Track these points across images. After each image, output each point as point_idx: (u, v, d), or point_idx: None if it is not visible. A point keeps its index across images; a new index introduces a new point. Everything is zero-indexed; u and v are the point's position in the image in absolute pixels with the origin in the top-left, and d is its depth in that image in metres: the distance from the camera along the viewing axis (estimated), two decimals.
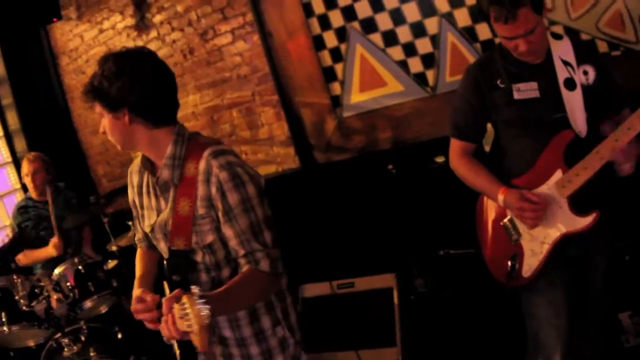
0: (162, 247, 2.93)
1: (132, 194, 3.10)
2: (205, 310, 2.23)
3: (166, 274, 2.82)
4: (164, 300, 2.44)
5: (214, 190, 2.68)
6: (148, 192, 2.95)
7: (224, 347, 2.94)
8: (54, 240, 5.54)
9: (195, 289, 2.27)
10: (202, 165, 2.73)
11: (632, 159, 3.20)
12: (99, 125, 2.87)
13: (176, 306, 2.36)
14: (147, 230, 2.99)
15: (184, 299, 2.27)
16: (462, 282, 4.91)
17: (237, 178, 2.68)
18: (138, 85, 2.65)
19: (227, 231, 2.71)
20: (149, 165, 2.89)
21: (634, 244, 4.31)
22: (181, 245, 2.76)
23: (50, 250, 5.57)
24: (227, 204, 2.67)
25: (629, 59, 4.57)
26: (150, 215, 2.95)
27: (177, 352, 2.86)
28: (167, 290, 2.84)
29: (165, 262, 2.85)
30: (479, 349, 4.70)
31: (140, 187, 3.01)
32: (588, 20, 4.66)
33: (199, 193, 2.72)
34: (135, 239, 3.25)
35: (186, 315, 2.26)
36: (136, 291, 2.90)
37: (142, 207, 3.02)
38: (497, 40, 3.50)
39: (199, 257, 2.80)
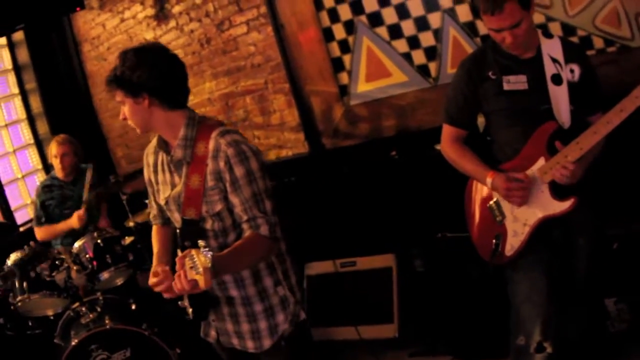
0: (176, 217, 3.22)
1: (148, 173, 3.40)
2: (208, 254, 2.54)
3: (179, 241, 3.13)
4: (177, 259, 2.74)
5: (222, 164, 2.99)
6: (163, 170, 3.25)
7: (230, 306, 3.22)
8: (80, 212, 5.69)
9: (201, 242, 2.60)
10: (211, 144, 3.04)
11: (574, 179, 3.38)
12: (118, 110, 3.16)
13: (187, 261, 2.66)
14: (162, 203, 3.29)
15: (193, 251, 2.60)
16: (457, 263, 5.00)
17: (242, 154, 3.00)
18: (155, 73, 2.97)
19: (233, 199, 3.01)
20: (163, 145, 3.19)
21: (622, 232, 4.41)
22: (192, 214, 3.08)
23: (73, 221, 5.72)
24: (233, 175, 2.98)
25: (624, 55, 4.64)
26: (164, 190, 3.25)
27: (190, 310, 3.13)
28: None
29: (178, 231, 3.17)
30: (472, 326, 4.84)
31: (155, 165, 3.31)
32: (585, 17, 4.71)
33: (208, 168, 3.02)
34: (151, 216, 3.55)
35: (194, 264, 2.56)
36: (154, 265, 3.23)
37: (157, 182, 3.32)
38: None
39: (208, 225, 3.10)
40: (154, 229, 3.55)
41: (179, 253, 3.09)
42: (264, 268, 3.19)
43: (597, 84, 3.59)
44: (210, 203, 3.05)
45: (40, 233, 6.00)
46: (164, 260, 3.32)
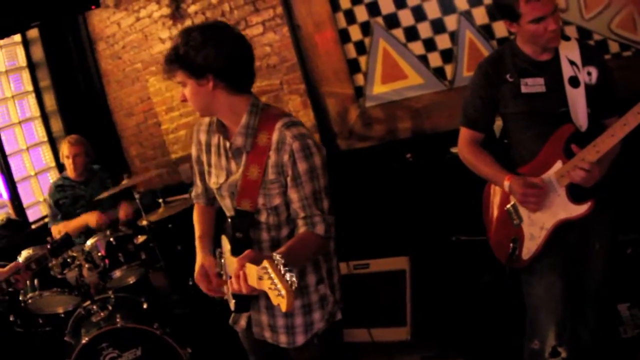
0: (227, 203, 3.17)
1: (197, 151, 3.30)
2: (293, 278, 2.35)
3: (229, 230, 3.05)
4: (237, 259, 2.66)
5: (286, 157, 2.90)
6: (218, 153, 3.16)
7: (268, 299, 3.05)
8: (98, 213, 5.75)
9: (277, 256, 2.41)
10: (275, 136, 2.94)
11: (593, 180, 3.33)
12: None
13: (250, 266, 2.59)
14: (214, 186, 3.21)
15: (266, 263, 2.42)
16: (471, 266, 4.99)
17: (307, 149, 2.90)
18: (223, 52, 2.84)
19: (293, 195, 2.94)
20: (222, 129, 3.10)
21: (636, 238, 4.37)
22: (247, 206, 3.00)
23: (88, 217, 5.76)
24: (296, 170, 2.90)
25: None
26: (218, 174, 3.17)
27: (233, 302, 3.11)
28: (226, 244, 3.09)
29: (229, 220, 3.09)
30: (485, 330, 4.80)
31: (208, 145, 3.22)
32: (601, 21, 4.71)
33: (270, 161, 2.94)
34: (193, 194, 3.47)
35: (273, 283, 2.39)
36: (199, 254, 3.23)
37: (209, 164, 3.23)
38: (512, 38, 3.62)
39: (263, 218, 3.04)
40: (197, 208, 3.48)
41: (225, 241, 3.09)
42: (309, 265, 3.13)
43: (614, 87, 3.56)
44: (269, 196, 2.99)
45: (57, 230, 5.96)
46: (208, 247, 3.27)
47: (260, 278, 2.48)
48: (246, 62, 2.97)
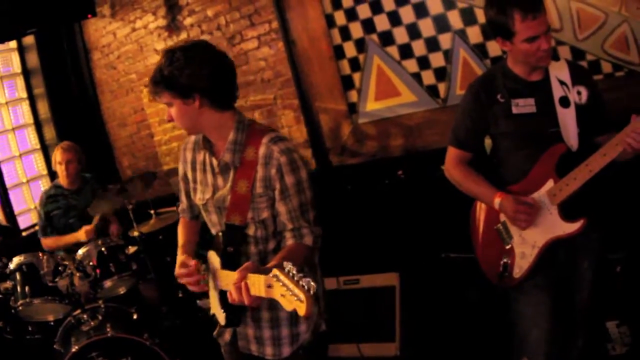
0: (213, 219, 3.20)
1: (184, 168, 3.34)
2: (310, 282, 2.35)
3: (219, 245, 3.08)
4: (238, 271, 2.67)
5: (273, 171, 2.96)
6: (204, 170, 3.19)
7: (254, 311, 3.17)
8: (88, 228, 5.71)
9: (288, 264, 2.42)
10: (262, 150, 2.99)
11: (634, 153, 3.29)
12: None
13: (254, 276, 2.60)
14: (200, 202, 3.24)
15: (277, 271, 2.43)
16: (459, 284, 5.01)
17: (294, 163, 2.97)
18: (206, 71, 2.89)
19: (281, 207, 2.99)
20: (208, 146, 3.13)
21: (625, 256, 4.41)
22: (237, 220, 3.03)
23: (80, 235, 5.72)
24: (284, 184, 2.95)
25: (632, 80, 4.68)
26: (204, 190, 3.20)
27: (223, 316, 3.10)
28: (215, 259, 3.09)
29: (219, 234, 3.11)
30: (473, 347, 4.81)
31: (194, 162, 3.26)
32: (594, 42, 4.76)
33: (258, 175, 2.99)
34: (179, 209, 3.50)
35: (283, 287, 2.39)
36: (180, 257, 3.20)
37: (195, 181, 3.26)
38: (504, 57, 3.65)
39: (251, 231, 3.06)
40: (182, 221, 3.52)
41: (215, 255, 3.10)
42: None
43: (604, 105, 3.59)
44: (258, 210, 3.02)
45: (47, 243, 5.98)
46: (189, 252, 3.29)
47: (269, 286, 2.49)
48: (230, 79, 3.02)
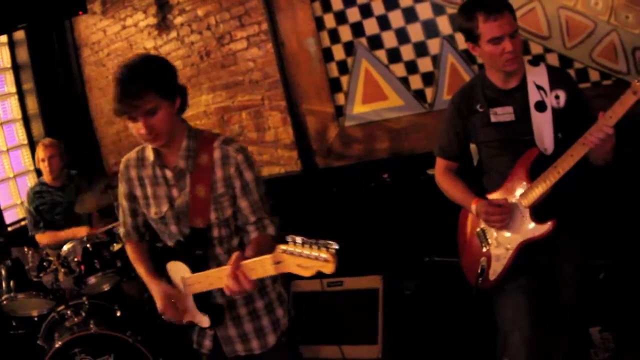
0: (172, 230, 3.20)
1: (129, 187, 3.28)
2: (328, 241, 2.36)
3: (184, 252, 3.11)
4: (230, 263, 2.70)
5: (232, 170, 3.06)
6: (156, 183, 3.18)
7: (232, 310, 3.23)
8: (87, 228, 5.76)
9: (291, 236, 2.42)
10: (217, 153, 3.08)
11: (607, 153, 3.35)
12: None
13: (255, 260, 2.65)
14: (155, 217, 3.21)
15: (283, 246, 2.44)
16: (443, 287, 5.05)
17: (249, 159, 3.11)
18: (175, 76, 3.01)
19: (243, 203, 3.09)
20: (159, 158, 3.14)
21: (608, 262, 4.49)
22: (200, 224, 3.09)
23: (81, 231, 5.73)
24: (244, 179, 3.08)
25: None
26: (159, 204, 3.18)
27: (206, 318, 3.11)
28: (181, 267, 3.10)
29: (181, 241, 3.16)
30: (456, 350, 4.84)
31: (141, 179, 3.23)
32: (582, 50, 4.79)
33: (217, 176, 3.07)
34: (122, 234, 3.46)
35: (299, 256, 2.41)
36: (156, 287, 3.19)
37: (146, 197, 3.23)
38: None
39: (215, 233, 3.13)
40: (130, 247, 3.45)
41: (179, 264, 3.10)
42: None
43: (586, 108, 3.58)
44: (221, 210, 3.09)
45: (43, 239, 5.98)
46: (163, 279, 3.22)
47: (278, 262, 2.50)
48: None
